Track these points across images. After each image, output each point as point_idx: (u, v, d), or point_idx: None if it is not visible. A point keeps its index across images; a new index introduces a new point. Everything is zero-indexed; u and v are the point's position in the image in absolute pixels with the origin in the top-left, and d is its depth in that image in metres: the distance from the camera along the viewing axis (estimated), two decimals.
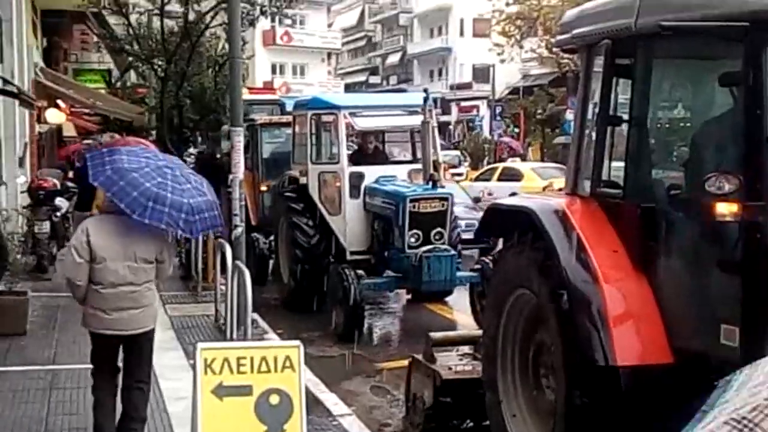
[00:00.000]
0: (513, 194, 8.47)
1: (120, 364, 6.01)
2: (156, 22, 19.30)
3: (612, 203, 5.34)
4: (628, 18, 5.09)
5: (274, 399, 4.84)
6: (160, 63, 19.31)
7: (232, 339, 8.70)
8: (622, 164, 5.36)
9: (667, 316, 4.97)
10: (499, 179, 25.38)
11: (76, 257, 5.64)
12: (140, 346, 5.91)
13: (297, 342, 5.09)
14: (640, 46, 5.14)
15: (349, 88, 68.30)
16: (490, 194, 23.06)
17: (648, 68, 5.20)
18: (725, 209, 4.44)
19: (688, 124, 5.76)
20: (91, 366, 6.06)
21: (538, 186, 22.62)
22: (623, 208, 5.24)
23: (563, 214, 5.42)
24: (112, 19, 22.24)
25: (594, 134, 5.47)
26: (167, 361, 8.24)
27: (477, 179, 25.35)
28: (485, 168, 28.46)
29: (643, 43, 5.09)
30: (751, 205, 4.39)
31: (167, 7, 18.67)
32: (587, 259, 5.13)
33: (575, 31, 5.70)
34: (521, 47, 37.94)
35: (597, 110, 5.36)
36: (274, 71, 62.07)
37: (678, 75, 5.76)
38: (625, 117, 5.29)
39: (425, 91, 11.53)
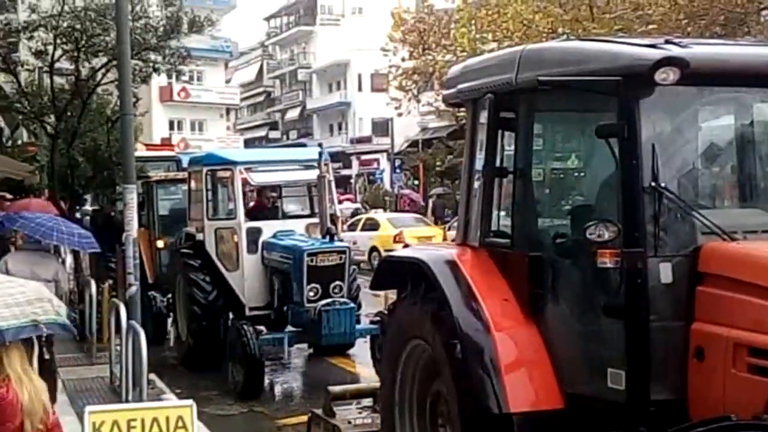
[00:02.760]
0: (405, 246, 8.58)
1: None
2: (46, 80, 18.94)
3: (501, 253, 5.45)
4: (509, 73, 5.27)
5: None
6: (50, 120, 18.89)
7: (127, 401, 8.49)
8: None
9: (557, 362, 5.08)
10: (362, 229, 26.39)
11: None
12: (50, 344, 7.46)
13: (189, 402, 5.02)
14: (522, 100, 5.31)
15: (248, 143, 68.00)
16: (354, 243, 23.59)
17: (530, 121, 5.38)
18: (606, 256, 4.59)
19: (572, 175, 5.94)
20: None
21: (391, 234, 23.84)
22: (512, 257, 5.36)
23: (454, 264, 5.51)
24: (0, 77, 21.69)
25: (482, 185, 5.60)
26: None
27: (348, 230, 26.01)
28: (353, 219, 28.99)
29: (524, 97, 5.27)
30: (630, 252, 4.55)
31: (57, 65, 18.30)
32: (479, 309, 5.22)
33: (460, 86, 5.85)
34: (418, 101, 38.50)
35: (483, 162, 5.50)
36: (172, 127, 61.32)
37: (560, 127, 5.95)
38: (511, 168, 5.44)
39: (320, 145, 11.66)
